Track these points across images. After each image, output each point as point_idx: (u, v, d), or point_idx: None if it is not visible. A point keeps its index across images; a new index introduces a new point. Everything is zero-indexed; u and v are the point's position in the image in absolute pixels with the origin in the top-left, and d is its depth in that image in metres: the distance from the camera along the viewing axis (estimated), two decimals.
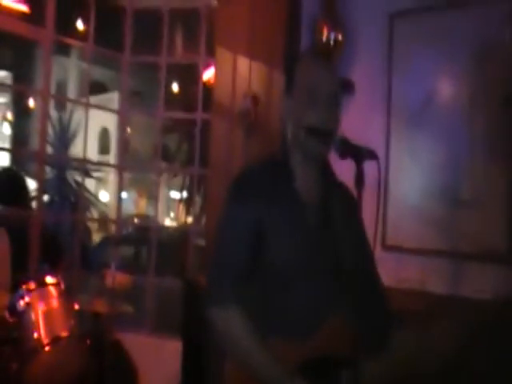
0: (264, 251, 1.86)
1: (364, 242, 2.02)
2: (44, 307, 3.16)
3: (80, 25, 12.47)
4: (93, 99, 6.97)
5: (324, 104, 1.89)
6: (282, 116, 2.01)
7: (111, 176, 25.30)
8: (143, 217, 21.91)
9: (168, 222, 24.47)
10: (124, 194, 19.76)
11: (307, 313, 1.86)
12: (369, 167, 1.81)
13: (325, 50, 3.32)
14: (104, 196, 25.31)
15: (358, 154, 1.81)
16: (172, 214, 27.31)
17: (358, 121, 3.26)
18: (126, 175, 5.14)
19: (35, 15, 4.52)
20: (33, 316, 3.11)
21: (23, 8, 5.00)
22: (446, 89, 3.19)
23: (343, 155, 1.84)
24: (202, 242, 4.57)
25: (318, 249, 1.90)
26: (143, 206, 29.47)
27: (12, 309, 3.11)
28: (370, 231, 1.90)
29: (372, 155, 1.82)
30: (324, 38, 3.36)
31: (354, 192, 1.80)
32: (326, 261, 1.89)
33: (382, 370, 1.91)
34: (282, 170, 1.96)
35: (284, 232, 1.89)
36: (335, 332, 1.84)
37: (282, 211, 1.90)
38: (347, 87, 3.37)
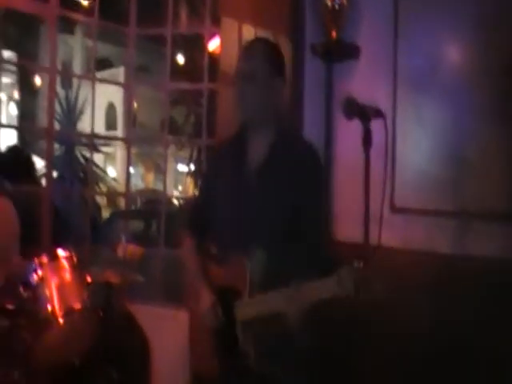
0: (214, 199, 2.43)
1: (308, 200, 2.27)
2: (57, 280, 3.19)
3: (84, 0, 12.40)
4: (98, 75, 6.96)
5: (241, 80, 2.32)
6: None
7: (119, 152, 25.35)
8: (151, 191, 21.93)
9: (176, 195, 24.55)
10: (132, 170, 19.79)
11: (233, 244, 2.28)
12: (375, 129, 1.81)
13: (331, 16, 3.32)
14: (112, 171, 25.35)
15: (364, 112, 1.83)
16: (180, 187, 27.36)
17: (364, 85, 3.26)
18: (134, 150, 5.14)
19: None
20: (46, 289, 3.14)
21: None
22: (451, 52, 3.18)
23: (349, 115, 1.86)
24: None
25: (253, 195, 2.29)
26: (151, 180, 29.52)
27: (25, 282, 3.14)
28: (378, 192, 1.90)
29: (378, 113, 1.84)
30: (329, 3, 3.34)
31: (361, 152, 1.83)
32: (259, 206, 2.28)
33: None
34: (237, 139, 2.42)
35: (228, 181, 2.38)
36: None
37: (230, 168, 2.38)
38: (352, 52, 3.37)
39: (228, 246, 2.32)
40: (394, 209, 3.21)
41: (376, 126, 1.83)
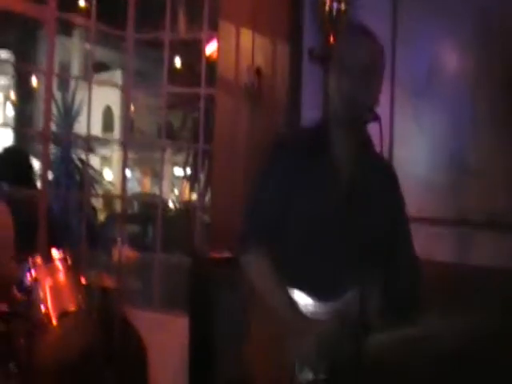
0: (292, 212, 2.00)
1: (399, 221, 2.10)
2: (51, 282, 3.17)
3: (82, 2, 12.41)
4: (96, 78, 6.95)
5: (356, 77, 1.94)
6: (326, 86, 2.06)
7: (115, 155, 25.32)
8: (148, 195, 21.91)
9: (173, 199, 24.52)
10: (128, 174, 19.77)
11: (323, 279, 1.94)
12: (372, 134, 1.82)
13: (329, 21, 3.31)
14: (109, 175, 25.33)
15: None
16: (177, 192, 27.35)
17: None
18: (131, 154, 5.14)
19: None
20: (40, 291, 3.12)
21: None
22: (450, 58, 3.18)
23: (367, 120, 1.87)
24: (207, 218, 4.58)
25: (343, 218, 1.95)
26: (148, 184, 29.49)
27: (19, 284, 3.13)
28: None
29: (374, 116, 1.84)
30: (327, 8, 3.34)
31: None
32: (350, 232, 1.93)
33: (391, 344, 1.92)
34: (319, 138, 2.05)
35: (313, 196, 2.00)
36: (348, 304, 1.89)
37: (314, 176, 2.00)
38: None
39: (314, 278, 1.97)
40: None
41: (373, 130, 1.84)
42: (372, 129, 1.84)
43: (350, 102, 1.91)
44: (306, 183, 2.00)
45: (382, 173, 2.07)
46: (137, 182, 28.87)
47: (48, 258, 3.26)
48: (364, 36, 2.05)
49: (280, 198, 2.01)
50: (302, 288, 1.95)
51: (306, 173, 2.01)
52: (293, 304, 1.92)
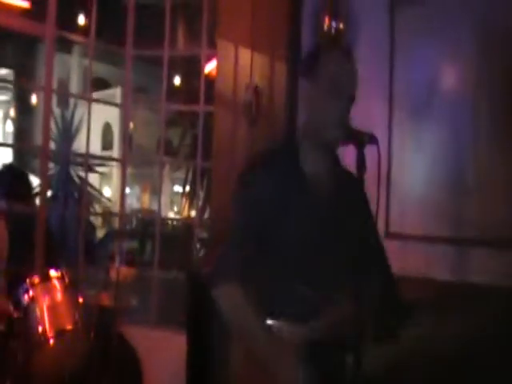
0: (273, 234, 1.94)
1: (372, 231, 2.06)
2: (48, 301, 3.16)
3: (81, 20, 12.46)
4: (95, 95, 6.98)
5: (346, 100, 1.97)
6: (301, 101, 2.06)
7: (114, 172, 25.33)
8: (147, 211, 21.92)
9: (172, 216, 24.48)
10: (127, 190, 19.75)
11: (312, 296, 1.89)
12: (370, 155, 1.81)
13: (328, 40, 3.32)
14: (107, 192, 25.32)
15: (359, 138, 1.83)
16: (176, 208, 27.32)
17: (360, 109, 3.24)
18: (130, 171, 5.14)
19: (36, 11, 4.50)
20: (37, 310, 3.12)
21: (24, 4, 4.98)
22: (448, 77, 3.19)
23: (345, 141, 1.87)
24: (206, 235, 4.57)
25: (326, 234, 1.95)
26: (147, 201, 29.49)
27: (17, 303, 3.12)
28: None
29: (372, 139, 1.84)
30: (326, 27, 3.35)
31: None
32: (333, 246, 1.94)
33: (386, 357, 1.92)
34: (290, 157, 2.02)
35: (293, 216, 1.95)
36: (339, 317, 1.86)
37: (292, 197, 1.96)
38: None
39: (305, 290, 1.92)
40: (390, 235, 3.20)
41: (370, 151, 1.84)
42: (370, 150, 1.83)
43: (340, 125, 1.92)
44: (283, 205, 1.96)
45: (353, 186, 2.02)
46: (136, 198, 28.88)
47: (45, 275, 3.25)
48: (351, 60, 2.05)
49: (258, 224, 1.95)
50: (288, 310, 1.90)
51: (282, 195, 1.96)
52: (270, 333, 1.87)
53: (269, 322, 1.89)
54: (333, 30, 3.35)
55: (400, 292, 2.06)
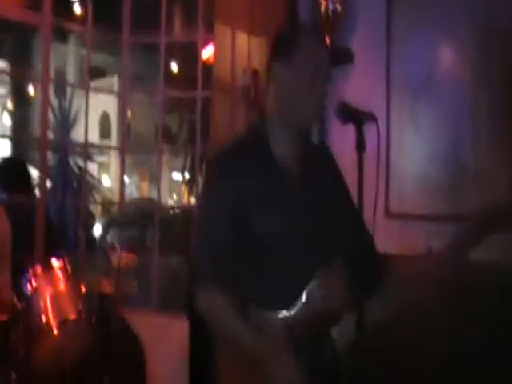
0: (248, 225, 1.88)
1: (347, 200, 2.03)
2: (51, 291, 3.17)
3: (77, 8, 12.41)
4: (92, 84, 6.94)
5: (323, 80, 1.93)
6: (274, 86, 1.98)
7: (113, 161, 25.33)
8: (146, 200, 21.92)
9: (171, 203, 24.52)
10: (126, 179, 19.74)
11: (295, 281, 1.86)
12: (370, 135, 1.81)
13: (325, 22, 3.31)
14: (106, 181, 25.31)
15: (358, 116, 1.82)
16: (175, 196, 27.33)
17: (358, 90, 3.25)
18: (128, 159, 5.13)
19: (32, 0, 4.48)
20: (40, 300, 3.12)
21: None
22: (446, 60, 3.19)
23: (344, 120, 1.86)
24: None
25: (302, 215, 1.92)
26: (146, 189, 29.48)
27: (19, 293, 3.12)
28: (371, 196, 1.88)
29: (371, 117, 1.83)
30: (323, 9, 3.34)
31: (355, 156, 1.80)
32: (311, 225, 1.92)
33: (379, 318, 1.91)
34: (260, 141, 1.97)
35: (267, 203, 1.91)
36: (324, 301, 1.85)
37: (262, 182, 1.91)
38: (347, 57, 3.36)
39: (292, 275, 1.87)
40: (389, 214, 3.21)
41: (370, 131, 1.83)
42: (370, 130, 1.83)
43: (318, 105, 1.92)
44: (257, 191, 1.90)
45: (324, 159, 2.04)
46: (135, 186, 28.88)
47: (47, 265, 3.25)
48: (323, 41, 2.06)
49: (231, 217, 1.87)
50: (271, 301, 1.85)
51: (254, 181, 1.90)
52: (262, 343, 1.80)
53: (251, 312, 1.84)
54: (330, 12, 3.34)
55: (376, 250, 2.02)
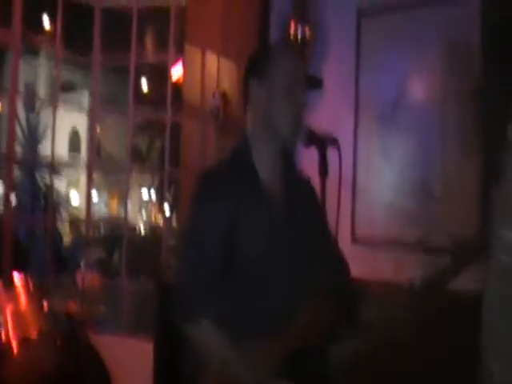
0: (236, 250, 1.85)
1: (326, 228, 2.01)
2: (12, 308, 3.12)
3: (47, 24, 12.33)
4: (62, 98, 6.90)
5: (301, 97, 1.94)
6: (252, 105, 1.99)
7: (82, 177, 25.10)
8: (115, 218, 21.73)
9: (140, 223, 24.34)
10: (95, 197, 19.58)
11: (283, 306, 1.85)
12: (334, 160, 1.82)
13: (295, 46, 3.33)
14: (75, 198, 25.07)
15: (320, 140, 1.84)
16: (144, 215, 27.15)
17: (327, 117, 3.27)
18: (99, 177, 5.09)
19: (1, 16, 4.44)
20: (1, 317, 3.07)
21: None
22: (415, 85, 3.22)
23: (307, 144, 1.87)
24: (173, 242, 4.55)
25: (288, 240, 1.90)
26: (115, 207, 29.25)
27: None
28: (333, 220, 1.88)
29: (333, 141, 1.84)
30: (293, 36, 3.37)
31: (318, 181, 1.81)
32: (296, 251, 1.91)
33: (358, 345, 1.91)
34: (245, 165, 1.95)
35: (254, 228, 1.88)
36: (311, 320, 1.84)
37: (249, 208, 1.89)
38: (315, 84, 3.38)
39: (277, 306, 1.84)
40: (356, 240, 3.21)
41: (335, 156, 1.84)
42: (335, 155, 1.84)
43: (295, 124, 1.91)
44: (244, 217, 1.86)
45: (307, 187, 2.06)
46: (104, 204, 28.63)
47: (9, 282, 3.21)
48: (299, 57, 2.09)
49: (219, 242, 1.84)
50: (260, 325, 1.84)
51: (241, 206, 1.87)
52: (255, 372, 1.78)
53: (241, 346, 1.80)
54: (299, 39, 3.36)
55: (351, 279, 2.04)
